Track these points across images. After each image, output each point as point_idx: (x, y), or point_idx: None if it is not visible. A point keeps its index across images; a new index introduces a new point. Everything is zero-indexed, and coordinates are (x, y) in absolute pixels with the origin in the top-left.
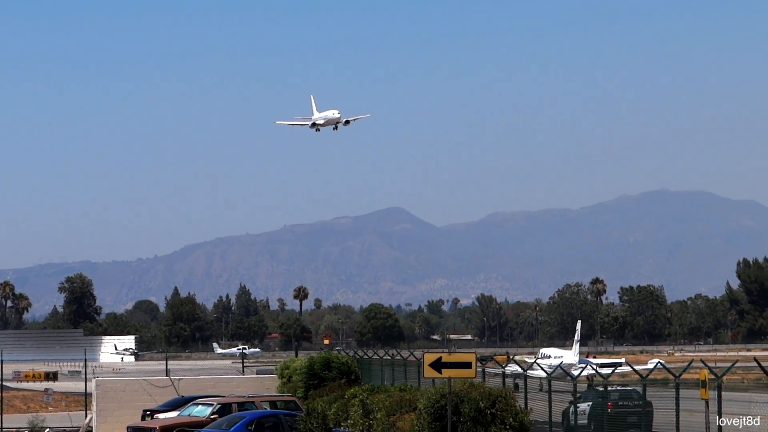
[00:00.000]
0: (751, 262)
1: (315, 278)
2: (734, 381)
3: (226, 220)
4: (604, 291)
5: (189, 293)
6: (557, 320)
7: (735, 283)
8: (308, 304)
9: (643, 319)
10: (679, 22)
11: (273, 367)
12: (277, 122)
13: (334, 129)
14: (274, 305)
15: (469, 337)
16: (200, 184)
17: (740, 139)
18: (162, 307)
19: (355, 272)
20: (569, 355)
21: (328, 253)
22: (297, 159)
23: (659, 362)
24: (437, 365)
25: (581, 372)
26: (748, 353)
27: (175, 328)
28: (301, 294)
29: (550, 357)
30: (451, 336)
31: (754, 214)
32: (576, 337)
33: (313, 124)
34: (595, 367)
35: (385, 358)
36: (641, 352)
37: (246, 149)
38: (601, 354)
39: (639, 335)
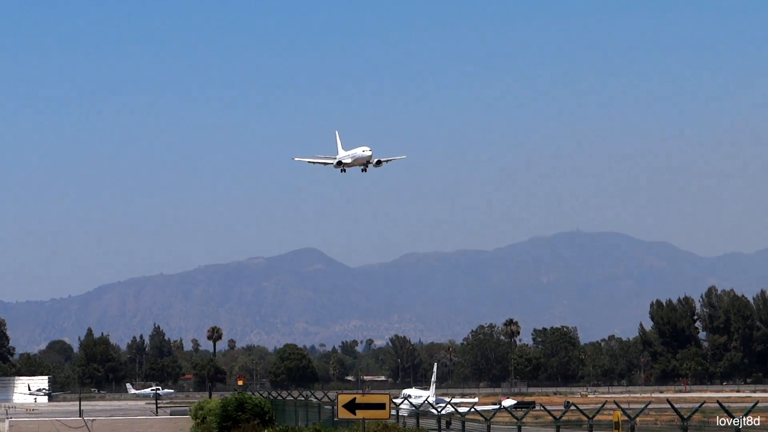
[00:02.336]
0: (663, 304)
1: (229, 319)
2: (647, 423)
3: (140, 260)
4: (518, 332)
5: (103, 334)
6: (471, 361)
7: (648, 325)
8: (222, 345)
9: (556, 360)
10: (583, 63)
11: (187, 408)
12: (295, 158)
13: (362, 170)
14: (188, 346)
15: (383, 378)
16: (114, 224)
17: (653, 182)
18: (76, 348)
19: (269, 313)
20: (426, 395)
21: (242, 293)
22: (211, 199)
23: (516, 402)
24: (351, 406)
25: (421, 404)
26: (661, 395)
27: (89, 368)
28: (215, 335)
29: (411, 396)
30: (365, 377)
31: (666, 256)
32: (433, 379)
33: (339, 163)
34: (453, 405)
35: (299, 399)
36: (555, 394)
37: (158, 189)
38: (515, 395)
39: (553, 376)
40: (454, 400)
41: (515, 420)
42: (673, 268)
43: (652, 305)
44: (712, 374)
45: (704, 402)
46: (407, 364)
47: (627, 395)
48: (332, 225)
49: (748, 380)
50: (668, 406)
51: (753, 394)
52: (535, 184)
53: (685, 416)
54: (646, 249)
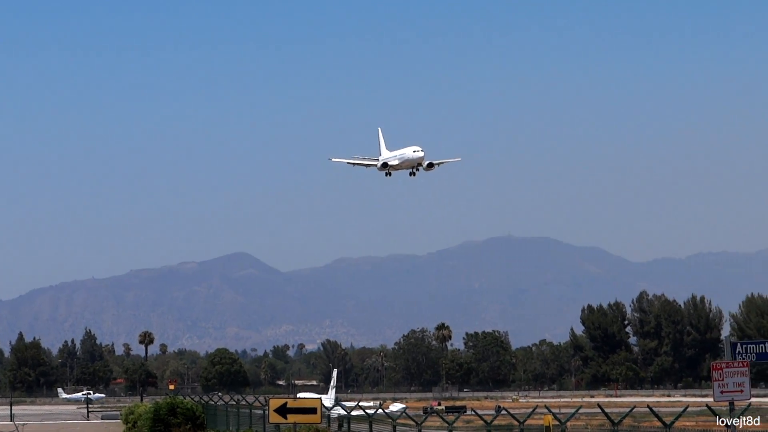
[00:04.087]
0: (595, 309)
1: (161, 323)
2: (578, 427)
3: (72, 264)
4: (450, 337)
5: (34, 338)
6: (402, 366)
7: (579, 329)
8: (154, 350)
9: (488, 365)
10: (514, 69)
11: (118, 413)
12: (333, 159)
13: (411, 175)
14: (119, 350)
15: (314, 382)
16: (45, 228)
17: (584, 186)
18: (7, 352)
19: (201, 317)
20: (325, 400)
21: (173, 298)
22: (142, 203)
23: (404, 407)
24: (282, 411)
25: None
26: (592, 399)
27: (20, 373)
28: (146, 339)
29: None
30: (297, 382)
31: (598, 261)
32: (332, 384)
33: (384, 165)
34: (347, 409)
35: (230, 403)
36: (486, 398)
37: (89, 193)
38: (446, 400)
39: (484, 381)
40: (348, 404)
41: (446, 424)
42: (605, 273)
43: (583, 310)
44: (642, 379)
45: (635, 407)
46: (339, 368)
47: (558, 400)
48: (264, 229)
49: (679, 385)
50: (599, 410)
51: (683, 399)
52: (466, 189)
53: (616, 420)
54: (578, 254)
